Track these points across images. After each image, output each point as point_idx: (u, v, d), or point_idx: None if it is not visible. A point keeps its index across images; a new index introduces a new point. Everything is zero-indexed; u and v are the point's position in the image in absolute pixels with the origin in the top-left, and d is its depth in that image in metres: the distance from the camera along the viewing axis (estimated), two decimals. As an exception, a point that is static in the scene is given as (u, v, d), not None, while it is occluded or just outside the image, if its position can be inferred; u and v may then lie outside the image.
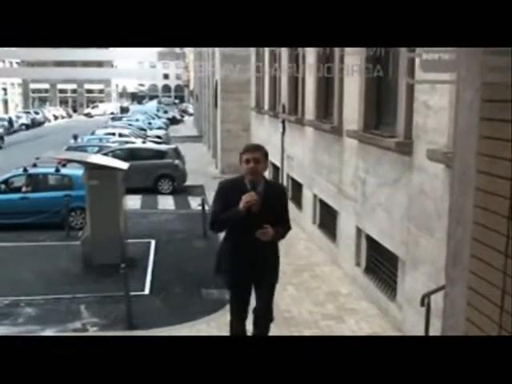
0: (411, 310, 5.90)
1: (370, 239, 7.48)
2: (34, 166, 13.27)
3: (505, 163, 1.80)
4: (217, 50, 19.64)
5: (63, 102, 73.51)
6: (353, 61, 7.39)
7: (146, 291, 8.15)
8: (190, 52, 47.19)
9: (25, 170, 12.73)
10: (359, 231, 7.80)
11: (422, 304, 4.87)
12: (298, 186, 11.67)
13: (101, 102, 71.99)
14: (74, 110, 70.52)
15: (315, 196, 10.31)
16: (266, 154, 4.69)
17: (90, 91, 76.10)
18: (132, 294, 7.27)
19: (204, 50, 27.07)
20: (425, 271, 5.58)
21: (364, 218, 7.57)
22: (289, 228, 4.89)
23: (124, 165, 9.71)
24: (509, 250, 1.67)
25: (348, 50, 7.50)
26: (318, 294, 7.77)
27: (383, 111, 7.21)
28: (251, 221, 4.46)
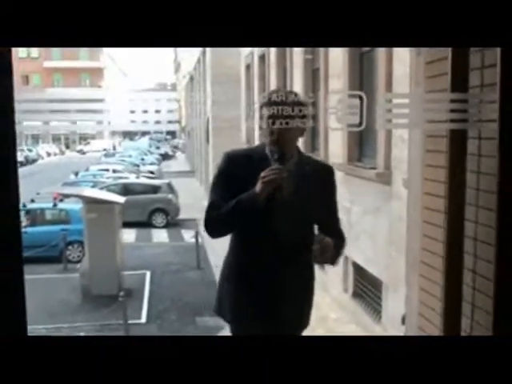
0: (395, 332, 6.25)
1: (356, 266, 7.87)
2: (32, 201, 13.63)
3: (441, 185, 2.25)
4: (208, 87, 20.24)
5: (56, 139, 73.93)
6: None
7: (143, 319, 8.47)
8: (181, 89, 48.04)
9: (23, 205, 13.08)
10: (346, 258, 8.18)
11: (403, 323, 5.23)
12: (288, 218, 12.05)
13: (93, 138, 72.45)
14: (67, 147, 70.92)
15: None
16: (306, 108, 2.50)
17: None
18: (129, 322, 7.61)
19: (195, 86, 27.74)
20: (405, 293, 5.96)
21: (350, 245, 7.92)
22: (343, 240, 2.83)
23: (121, 198, 10.12)
24: (446, 254, 2.09)
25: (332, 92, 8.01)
26: (307, 319, 8.09)
27: (365, 145, 7.70)
28: (276, 215, 2.51)
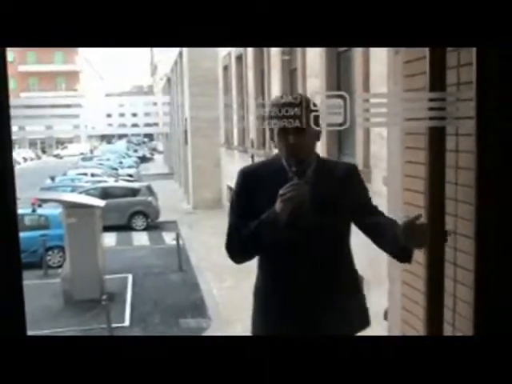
0: (379, 328, 6.32)
1: (337, 263, 7.93)
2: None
3: (421, 181, 2.32)
4: (185, 88, 20.23)
5: (32, 144, 73.12)
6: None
7: (126, 323, 8.46)
8: (158, 91, 47.91)
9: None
10: (327, 256, 8.26)
11: (385, 318, 5.29)
12: (268, 217, 12.12)
13: (70, 143, 71.83)
14: (43, 152, 70.21)
15: (285, 226, 10.75)
16: (310, 108, 2.16)
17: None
18: (113, 326, 7.59)
19: (173, 88, 27.69)
20: (387, 288, 6.04)
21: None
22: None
23: (101, 202, 10.08)
24: (427, 247, 2.15)
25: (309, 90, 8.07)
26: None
27: (343, 143, 7.78)
28: (302, 230, 2.34)
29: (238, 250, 2.46)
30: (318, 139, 2.40)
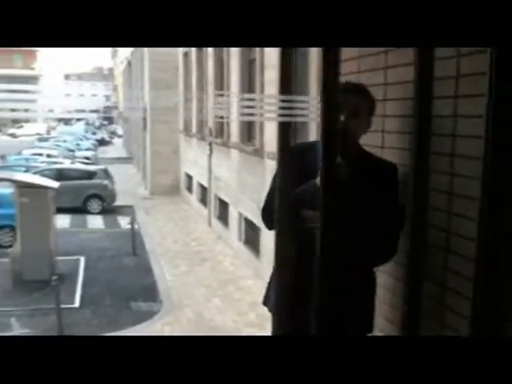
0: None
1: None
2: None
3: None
4: (146, 73, 20.11)
5: (-14, 122, 71.11)
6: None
7: (76, 304, 8.48)
8: (118, 74, 47.25)
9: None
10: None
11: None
12: (224, 205, 12.27)
13: (26, 122, 70.14)
14: (-2, 130, 68.44)
15: (241, 214, 10.92)
16: (371, 100, 2.47)
17: (14, 110, 73.71)
18: (62, 306, 7.60)
19: (133, 72, 27.42)
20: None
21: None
22: (392, 249, 2.44)
23: (54, 183, 10.02)
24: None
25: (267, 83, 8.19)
26: (241, 304, 8.33)
27: (298, 134, 7.95)
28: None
29: (267, 215, 2.61)
30: (364, 130, 2.48)
